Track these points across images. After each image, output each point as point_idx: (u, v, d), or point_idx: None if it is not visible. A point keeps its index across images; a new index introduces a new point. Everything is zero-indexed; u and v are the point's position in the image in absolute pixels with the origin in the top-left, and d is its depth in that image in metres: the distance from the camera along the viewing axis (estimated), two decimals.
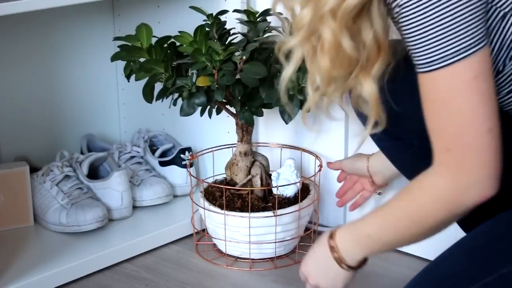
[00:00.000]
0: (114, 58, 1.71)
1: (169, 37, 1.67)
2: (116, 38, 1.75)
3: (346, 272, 1.27)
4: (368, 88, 1.19)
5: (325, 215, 1.86)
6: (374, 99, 1.20)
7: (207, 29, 1.65)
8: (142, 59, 1.68)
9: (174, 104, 1.65)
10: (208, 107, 1.68)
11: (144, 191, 1.91)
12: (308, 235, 1.81)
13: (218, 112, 1.68)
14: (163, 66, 1.63)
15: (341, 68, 1.18)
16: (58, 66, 2.02)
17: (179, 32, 1.64)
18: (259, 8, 1.80)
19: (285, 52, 1.24)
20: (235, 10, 1.74)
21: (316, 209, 1.81)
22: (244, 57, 1.60)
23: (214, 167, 1.87)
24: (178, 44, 1.67)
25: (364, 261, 1.28)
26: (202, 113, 1.67)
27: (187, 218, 1.85)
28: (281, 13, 1.73)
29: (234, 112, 1.73)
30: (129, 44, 1.67)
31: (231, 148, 1.86)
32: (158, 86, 1.69)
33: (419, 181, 1.17)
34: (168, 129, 2.06)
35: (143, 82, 1.68)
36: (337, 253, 1.27)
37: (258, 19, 1.70)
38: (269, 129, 1.90)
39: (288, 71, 1.25)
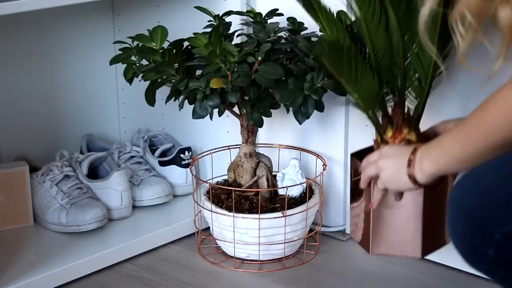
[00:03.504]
0: (113, 61, 1.72)
1: (183, 40, 1.67)
2: (116, 42, 1.75)
3: (412, 184, 1.30)
4: (504, 14, 1.13)
5: (327, 216, 1.86)
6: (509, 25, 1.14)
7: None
8: (144, 61, 1.68)
9: (181, 106, 1.65)
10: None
11: (143, 191, 1.91)
12: (312, 236, 1.81)
13: (220, 114, 1.67)
14: (175, 69, 1.63)
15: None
16: (57, 65, 2.02)
17: (193, 33, 1.64)
18: (259, 8, 1.81)
19: None
20: (238, 12, 1.74)
21: (319, 210, 1.81)
22: (259, 58, 1.59)
23: (212, 169, 1.87)
24: (186, 44, 1.66)
25: (436, 181, 1.28)
26: (214, 116, 1.64)
27: (187, 218, 1.85)
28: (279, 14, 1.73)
29: (238, 113, 1.73)
30: (140, 44, 1.67)
31: (229, 150, 1.86)
32: (161, 89, 1.69)
33: (501, 92, 1.13)
34: (167, 129, 2.06)
35: (143, 82, 1.68)
36: (411, 169, 1.29)
37: (264, 20, 1.71)
38: (268, 129, 1.90)
39: (426, 7, 1.20)
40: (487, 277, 1.15)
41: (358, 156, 1.54)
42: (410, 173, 1.29)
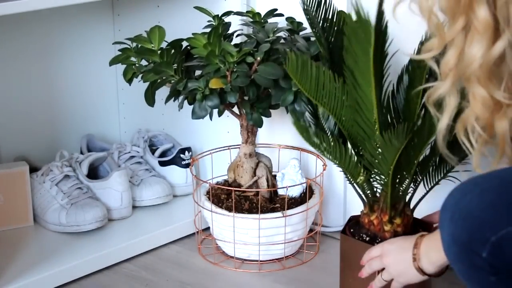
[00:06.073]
0: (113, 62, 1.72)
1: (181, 40, 1.67)
2: (116, 42, 1.75)
3: (422, 276, 1.33)
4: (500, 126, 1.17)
5: (326, 216, 1.86)
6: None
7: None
8: (144, 61, 1.68)
9: (181, 106, 1.65)
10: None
11: (143, 191, 1.91)
12: (312, 236, 1.81)
13: (220, 114, 1.68)
14: (173, 69, 1.63)
15: (496, 111, 1.17)
16: (58, 66, 2.02)
17: (192, 34, 1.64)
18: (258, 8, 1.80)
19: (436, 101, 1.22)
20: (237, 12, 1.74)
21: (319, 210, 1.81)
22: (258, 58, 1.59)
23: (212, 169, 1.87)
24: (186, 44, 1.67)
25: (445, 269, 1.32)
26: (214, 116, 1.64)
27: (187, 218, 1.85)
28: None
29: (238, 113, 1.73)
30: (139, 45, 1.67)
31: (229, 150, 1.86)
32: (161, 89, 1.69)
33: None
34: (167, 129, 2.06)
35: (143, 82, 1.68)
36: (418, 263, 1.32)
37: (263, 20, 1.71)
38: (268, 129, 1.90)
39: (443, 122, 1.22)
40: None
41: (348, 229, 1.58)
42: (418, 266, 1.33)
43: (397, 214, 1.52)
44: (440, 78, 1.20)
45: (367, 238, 1.53)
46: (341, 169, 1.53)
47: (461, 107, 1.22)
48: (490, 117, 1.17)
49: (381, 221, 1.52)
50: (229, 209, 1.72)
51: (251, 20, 1.72)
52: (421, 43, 1.46)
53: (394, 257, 1.39)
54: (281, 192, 1.76)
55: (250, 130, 1.74)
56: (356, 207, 1.81)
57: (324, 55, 1.54)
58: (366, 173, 1.49)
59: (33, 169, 1.88)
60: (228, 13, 1.70)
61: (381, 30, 1.32)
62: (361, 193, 1.54)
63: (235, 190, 1.73)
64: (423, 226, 1.55)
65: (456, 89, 1.20)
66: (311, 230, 1.79)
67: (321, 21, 1.54)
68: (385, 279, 1.43)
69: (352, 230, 1.56)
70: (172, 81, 1.64)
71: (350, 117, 1.44)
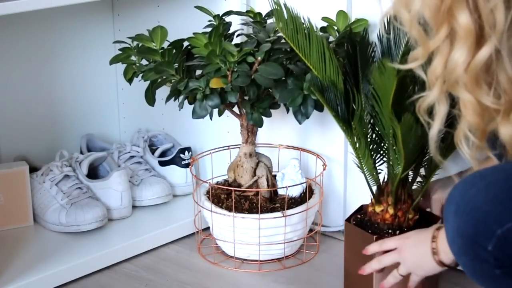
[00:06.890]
0: (113, 61, 1.72)
1: (182, 40, 1.67)
2: (116, 42, 1.75)
3: (441, 268, 1.33)
4: (505, 131, 1.17)
5: (326, 216, 1.86)
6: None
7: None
8: (144, 61, 1.68)
9: (181, 106, 1.65)
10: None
11: (143, 191, 1.91)
12: (312, 236, 1.81)
13: (220, 114, 1.67)
14: (174, 68, 1.63)
15: (489, 119, 1.17)
16: (57, 65, 2.02)
17: (193, 33, 1.64)
18: (259, 8, 1.81)
19: (426, 109, 1.23)
20: (237, 12, 1.74)
21: (319, 210, 1.81)
22: (259, 58, 1.59)
23: (212, 169, 1.87)
24: (186, 44, 1.67)
25: None
26: (214, 116, 1.64)
27: (187, 218, 1.85)
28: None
29: (238, 113, 1.73)
30: (139, 44, 1.67)
31: (229, 150, 1.86)
32: (161, 89, 1.69)
33: None
34: (167, 129, 2.06)
35: (143, 82, 1.68)
36: (439, 257, 1.32)
37: (264, 20, 1.71)
38: (268, 129, 1.90)
39: (435, 130, 1.23)
40: (481, 285, 1.15)
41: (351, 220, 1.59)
42: (438, 260, 1.33)
43: (414, 200, 1.55)
44: (428, 86, 1.21)
45: (397, 232, 1.54)
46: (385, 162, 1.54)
47: (452, 114, 1.23)
48: (481, 123, 1.18)
49: (404, 212, 1.53)
50: (229, 209, 1.72)
51: (252, 20, 1.72)
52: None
53: (412, 250, 1.39)
54: (281, 192, 1.76)
55: (250, 130, 1.74)
56: (356, 207, 1.82)
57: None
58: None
59: (33, 169, 1.88)
60: (228, 13, 1.70)
61: None
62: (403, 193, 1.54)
63: (235, 190, 1.73)
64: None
65: (445, 96, 1.21)
66: (311, 230, 1.79)
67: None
68: (402, 274, 1.43)
69: (370, 231, 1.55)
70: (173, 81, 1.64)
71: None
